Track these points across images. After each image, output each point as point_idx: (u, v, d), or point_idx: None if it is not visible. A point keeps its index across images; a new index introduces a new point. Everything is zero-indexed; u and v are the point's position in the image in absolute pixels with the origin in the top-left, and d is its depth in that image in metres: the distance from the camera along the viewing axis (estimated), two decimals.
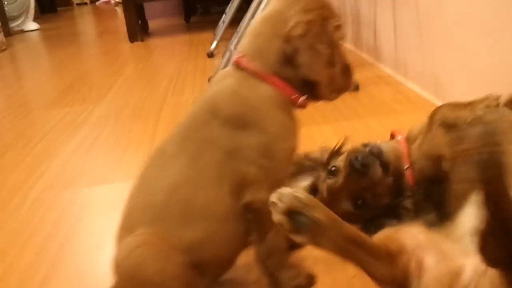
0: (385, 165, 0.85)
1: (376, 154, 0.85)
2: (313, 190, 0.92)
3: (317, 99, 0.80)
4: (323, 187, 0.90)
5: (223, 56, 2.21)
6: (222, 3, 3.72)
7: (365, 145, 0.88)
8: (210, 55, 2.73)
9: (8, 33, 4.62)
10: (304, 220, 0.62)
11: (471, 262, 0.57)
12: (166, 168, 0.76)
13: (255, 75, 0.76)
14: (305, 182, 0.95)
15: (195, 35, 3.63)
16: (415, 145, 0.86)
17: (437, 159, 0.79)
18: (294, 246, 0.81)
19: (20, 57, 3.65)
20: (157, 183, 0.76)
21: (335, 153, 0.95)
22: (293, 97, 0.77)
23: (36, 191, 1.31)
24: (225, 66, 1.96)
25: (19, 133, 1.82)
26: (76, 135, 1.71)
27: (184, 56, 2.91)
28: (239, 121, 0.74)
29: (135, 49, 3.33)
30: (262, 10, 1.90)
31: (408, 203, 0.82)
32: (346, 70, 0.80)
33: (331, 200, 0.87)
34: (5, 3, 4.79)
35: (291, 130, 0.77)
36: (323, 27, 0.75)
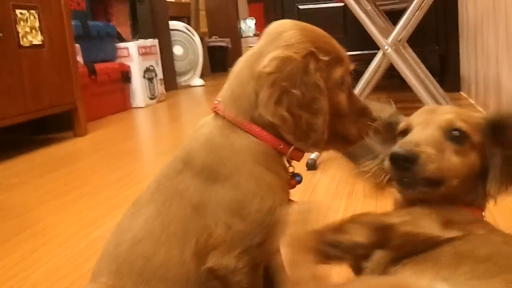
0: None
1: None
2: None
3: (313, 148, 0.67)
4: None
5: None
6: None
7: None
8: None
9: (175, 86, 5.02)
10: None
11: None
12: (136, 217, 0.70)
13: (232, 122, 0.66)
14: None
15: None
16: None
17: None
18: None
19: (173, 108, 3.90)
20: (124, 232, 0.70)
21: None
22: (278, 147, 0.66)
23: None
24: None
25: (129, 172, 1.89)
26: None
27: None
28: (210, 173, 0.66)
29: None
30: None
31: None
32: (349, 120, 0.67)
33: None
34: (176, 60, 5.24)
35: (272, 187, 0.65)
36: (304, 66, 0.62)
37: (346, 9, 2.75)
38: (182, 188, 0.67)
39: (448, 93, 3.18)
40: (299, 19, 2.76)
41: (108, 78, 3.53)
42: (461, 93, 3.24)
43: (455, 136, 0.67)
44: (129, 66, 3.81)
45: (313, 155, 1.63)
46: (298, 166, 0.72)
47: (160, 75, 4.18)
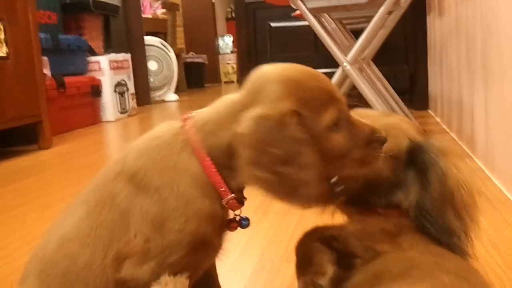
0: None
1: None
2: None
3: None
4: None
5: None
6: None
7: None
8: None
9: (148, 101, 5.00)
10: None
11: None
12: (69, 217, 0.69)
13: (191, 145, 0.64)
14: None
15: None
16: None
17: None
18: None
19: (143, 122, 3.88)
20: (55, 231, 0.69)
21: None
22: (220, 189, 0.64)
23: None
24: None
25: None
26: None
27: None
28: (142, 180, 0.64)
29: None
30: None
31: None
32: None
33: None
34: (151, 75, 5.23)
35: (200, 214, 0.63)
36: (281, 123, 0.58)
37: None
38: (115, 192, 0.65)
39: (417, 111, 3.23)
40: (270, 37, 2.80)
41: (78, 92, 3.50)
42: (429, 111, 3.28)
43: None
44: (99, 80, 3.78)
45: None
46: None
47: (132, 89, 4.16)
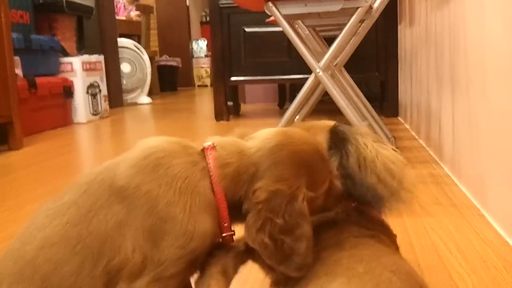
0: None
1: None
2: None
3: None
4: None
5: None
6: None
7: None
8: None
9: (121, 103, 4.98)
10: None
11: None
12: (53, 217, 0.66)
13: (209, 175, 0.66)
14: None
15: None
16: None
17: None
18: None
19: (115, 124, 3.86)
20: (36, 230, 0.66)
21: None
22: (224, 224, 0.67)
23: None
24: None
25: (59, 186, 1.85)
26: None
27: None
28: (147, 194, 0.64)
29: (216, 127, 3.38)
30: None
31: None
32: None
33: None
34: (124, 77, 5.20)
35: (205, 234, 0.65)
36: (291, 197, 0.65)
37: None
38: (113, 200, 0.64)
39: (387, 118, 3.29)
40: (245, 42, 2.80)
41: (49, 93, 3.46)
42: (399, 118, 3.34)
43: None
44: (72, 81, 3.75)
45: None
46: None
47: (104, 91, 4.14)
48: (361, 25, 2.11)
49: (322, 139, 0.78)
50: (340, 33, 1.82)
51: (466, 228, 1.26)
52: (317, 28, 2.50)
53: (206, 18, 8.78)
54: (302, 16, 2.14)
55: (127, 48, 5.29)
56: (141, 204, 0.63)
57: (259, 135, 0.71)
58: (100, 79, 4.08)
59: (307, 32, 2.34)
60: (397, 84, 3.43)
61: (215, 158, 0.67)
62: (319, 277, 0.62)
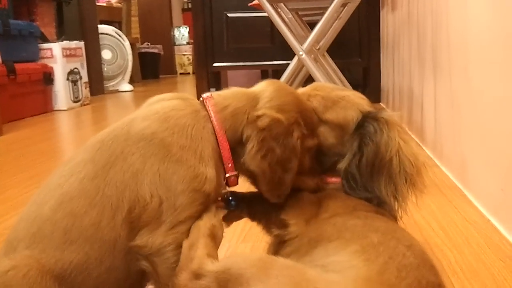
0: None
1: None
2: None
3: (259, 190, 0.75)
4: None
5: None
6: None
7: None
8: None
9: (102, 90, 4.92)
10: None
11: None
12: (68, 176, 0.68)
13: (211, 120, 0.71)
14: None
15: None
16: None
17: None
18: None
19: (96, 111, 3.82)
20: (52, 190, 0.68)
21: None
22: (228, 165, 0.72)
23: None
24: None
25: (40, 171, 1.83)
26: None
27: None
28: (162, 142, 0.68)
29: None
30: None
31: None
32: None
33: None
34: (105, 64, 5.14)
35: (215, 178, 0.69)
36: (288, 131, 0.71)
37: None
38: (127, 152, 0.67)
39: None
40: (227, 28, 2.79)
41: (29, 79, 3.41)
42: (381, 104, 3.36)
43: None
44: (52, 68, 3.70)
45: None
46: None
47: (85, 78, 4.09)
48: (343, 9, 2.11)
49: (351, 117, 0.76)
50: (322, 17, 1.82)
51: (448, 208, 1.27)
52: (300, 13, 2.50)
53: (188, 5, 8.69)
54: None
55: (108, 34, 5.23)
56: (157, 150, 0.67)
57: (260, 83, 0.76)
58: (80, 65, 4.03)
59: (290, 16, 2.34)
60: (379, 69, 3.44)
61: (213, 104, 0.72)
62: (330, 240, 0.61)
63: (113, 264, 0.66)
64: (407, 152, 0.73)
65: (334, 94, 0.78)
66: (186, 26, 8.45)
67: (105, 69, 5.17)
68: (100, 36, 5.05)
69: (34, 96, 3.52)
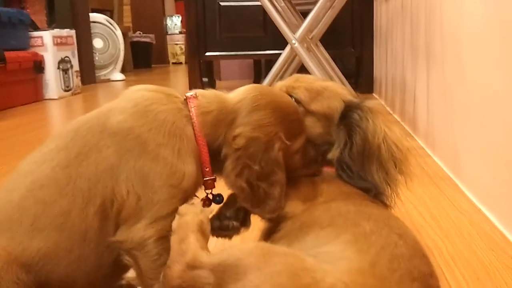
0: None
1: None
2: None
3: None
4: None
5: None
6: None
7: None
8: None
9: (93, 80, 4.89)
10: None
11: None
12: (41, 163, 0.67)
13: (192, 122, 0.69)
14: None
15: None
16: None
17: None
18: None
19: (87, 101, 3.79)
20: (23, 177, 0.67)
21: None
22: (205, 169, 0.70)
23: None
24: None
25: None
26: None
27: None
28: (138, 137, 0.66)
29: None
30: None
31: None
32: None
33: None
34: (96, 53, 5.10)
35: (193, 174, 0.68)
36: (267, 146, 0.69)
37: None
38: (103, 144, 0.66)
39: (362, 94, 3.29)
40: (220, 17, 2.77)
41: (19, 67, 3.37)
42: (374, 94, 3.35)
43: None
44: (42, 56, 3.66)
45: None
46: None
47: (76, 66, 4.05)
48: None
49: (335, 107, 0.77)
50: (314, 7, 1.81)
51: (440, 198, 1.27)
52: (293, 1, 2.48)
53: None
54: None
55: (99, 23, 5.18)
56: (133, 146, 0.65)
57: (240, 89, 0.74)
58: (71, 54, 4.00)
59: (282, 4, 2.32)
60: (372, 59, 3.43)
61: (196, 106, 0.70)
62: (322, 227, 0.61)
63: (83, 254, 0.66)
64: (393, 138, 0.75)
65: (317, 85, 0.79)
66: (178, 15, 8.40)
67: (97, 58, 5.13)
68: (92, 24, 5.00)
69: (25, 85, 3.49)
